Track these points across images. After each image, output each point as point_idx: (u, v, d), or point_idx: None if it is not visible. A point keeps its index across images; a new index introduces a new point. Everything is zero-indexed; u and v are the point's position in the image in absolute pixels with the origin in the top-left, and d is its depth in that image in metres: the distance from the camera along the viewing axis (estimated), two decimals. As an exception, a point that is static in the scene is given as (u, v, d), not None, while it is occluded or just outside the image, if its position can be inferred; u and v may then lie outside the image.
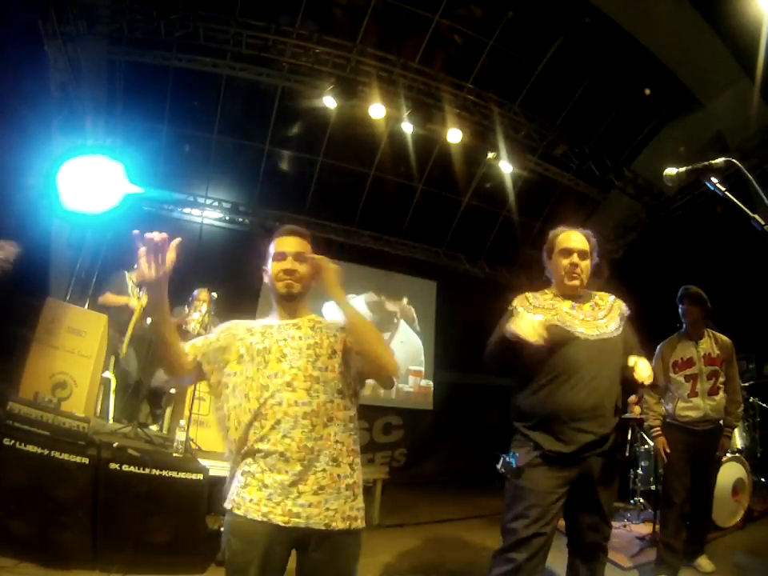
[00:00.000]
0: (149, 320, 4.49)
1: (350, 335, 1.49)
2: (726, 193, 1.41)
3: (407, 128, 6.38)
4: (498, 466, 1.84)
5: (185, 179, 7.27)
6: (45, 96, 4.90)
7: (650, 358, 3.19)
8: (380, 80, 5.99)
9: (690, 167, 1.51)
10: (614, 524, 4.09)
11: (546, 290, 2.04)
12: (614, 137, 6.91)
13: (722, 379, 3.03)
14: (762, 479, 4.33)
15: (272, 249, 1.58)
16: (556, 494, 1.78)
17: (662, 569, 2.94)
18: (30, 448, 2.62)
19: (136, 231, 1.28)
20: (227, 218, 7.62)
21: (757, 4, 4.54)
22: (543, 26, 6.00)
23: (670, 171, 1.55)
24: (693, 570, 3.09)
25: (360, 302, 7.89)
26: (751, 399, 4.63)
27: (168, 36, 5.47)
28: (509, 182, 7.31)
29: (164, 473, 2.82)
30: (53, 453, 2.64)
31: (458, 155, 7.02)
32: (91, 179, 4.39)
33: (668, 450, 3.02)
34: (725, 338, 3.13)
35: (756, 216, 1.35)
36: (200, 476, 2.88)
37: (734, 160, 1.44)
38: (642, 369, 1.80)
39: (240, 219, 7.62)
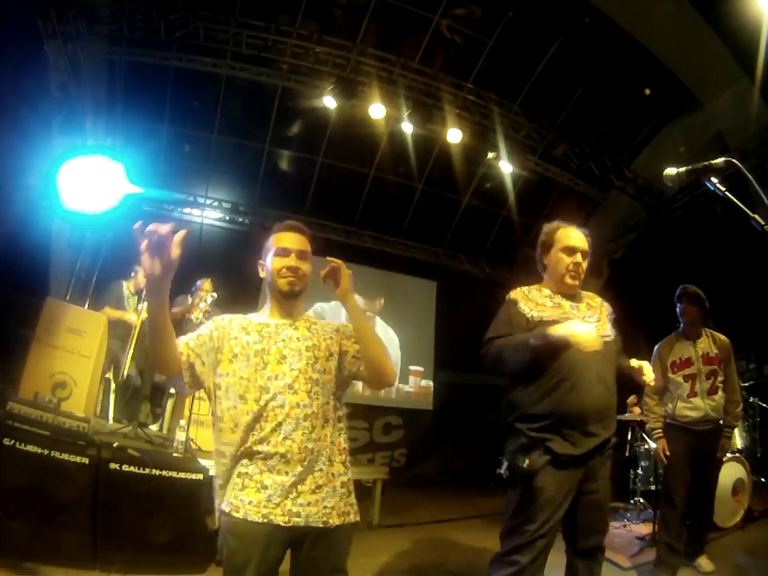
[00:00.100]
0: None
1: (357, 342, 1.50)
2: (726, 193, 1.41)
3: (407, 128, 6.38)
4: (503, 471, 1.80)
5: (185, 179, 7.28)
6: (45, 96, 4.90)
7: (647, 358, 3.21)
8: (380, 80, 5.99)
9: (689, 167, 1.51)
10: (614, 524, 4.12)
11: (539, 286, 2.00)
12: (614, 137, 6.91)
13: (720, 378, 3.02)
14: (762, 479, 4.33)
15: (272, 243, 1.54)
16: (563, 496, 1.78)
17: (662, 569, 2.94)
18: (30, 448, 2.61)
19: (138, 224, 1.15)
20: (227, 217, 7.62)
21: (757, 4, 4.54)
22: (543, 25, 6.00)
23: (670, 171, 1.55)
24: (693, 569, 3.09)
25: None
26: (751, 399, 4.62)
27: (168, 36, 5.48)
28: (509, 182, 7.31)
29: (164, 473, 2.82)
30: (53, 453, 2.64)
31: (458, 155, 7.02)
32: (91, 179, 4.39)
33: (668, 453, 3.01)
34: (723, 337, 3.11)
35: (756, 216, 1.35)
36: (200, 476, 2.88)
37: (733, 160, 1.44)
38: (649, 371, 1.80)
39: (240, 219, 7.62)
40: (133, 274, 4.78)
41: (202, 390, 1.46)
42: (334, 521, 1.38)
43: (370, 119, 6.17)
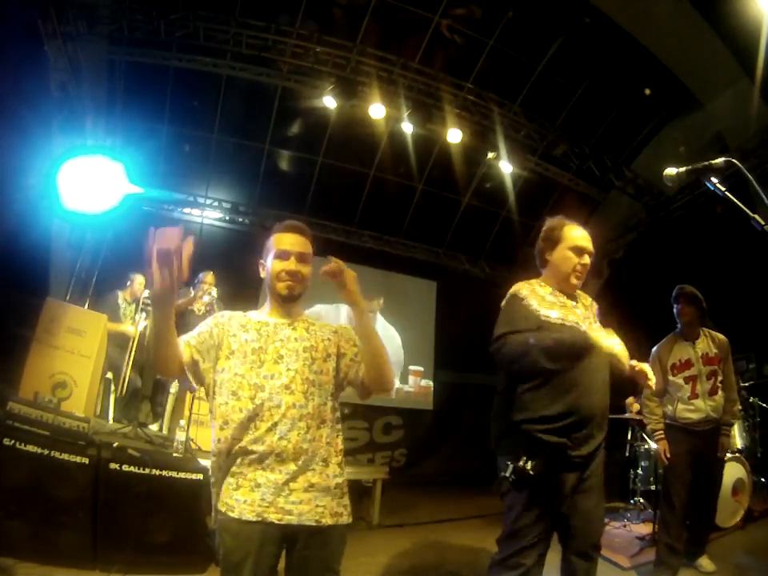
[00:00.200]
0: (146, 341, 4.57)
1: (362, 346, 1.50)
2: (726, 193, 1.41)
3: (407, 128, 6.38)
4: (508, 474, 1.74)
5: (185, 179, 7.28)
6: (45, 96, 4.90)
7: (647, 358, 3.20)
8: (380, 80, 5.99)
9: (689, 167, 1.51)
10: (614, 524, 4.12)
11: (540, 281, 1.97)
12: (613, 137, 6.91)
13: (720, 378, 3.01)
14: (762, 479, 4.32)
15: (272, 244, 1.52)
16: (565, 497, 1.78)
17: (662, 569, 2.93)
18: (30, 448, 2.62)
19: (151, 229, 1.19)
20: (227, 217, 7.63)
21: (757, 4, 4.55)
22: (543, 25, 6.00)
23: (670, 171, 1.55)
24: (694, 570, 3.09)
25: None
26: (751, 399, 4.62)
27: (168, 36, 5.48)
28: (509, 182, 7.31)
29: (164, 473, 2.82)
30: (53, 453, 2.65)
31: (458, 155, 7.02)
32: (91, 179, 4.39)
33: (669, 455, 3.01)
34: (721, 335, 3.10)
35: (756, 216, 1.35)
36: (200, 476, 2.88)
37: (733, 160, 1.44)
38: (651, 373, 1.79)
39: (240, 219, 7.63)
40: (128, 283, 4.82)
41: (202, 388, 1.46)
42: (327, 520, 1.38)
43: (370, 119, 6.18)
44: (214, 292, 4.29)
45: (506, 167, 6.77)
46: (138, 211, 6.26)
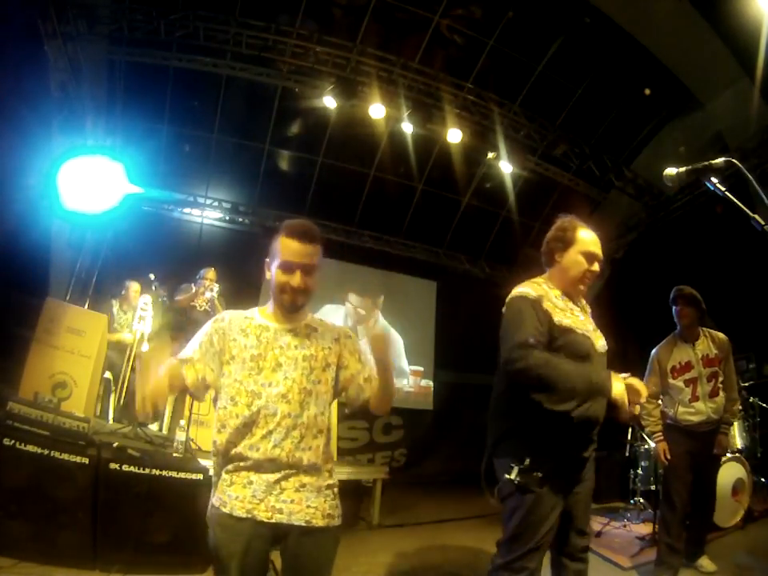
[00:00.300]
0: (145, 347, 4.61)
1: (378, 388, 1.50)
2: (726, 193, 1.41)
3: (407, 128, 6.39)
4: (513, 476, 1.70)
5: (185, 179, 7.28)
6: (45, 96, 4.90)
7: (646, 358, 3.20)
8: (380, 80, 5.99)
9: (689, 167, 1.51)
10: (614, 524, 4.12)
11: (546, 281, 1.93)
12: (614, 137, 6.91)
13: (721, 379, 2.99)
14: (762, 479, 4.32)
15: (278, 249, 1.45)
16: (565, 499, 1.77)
17: (663, 569, 2.93)
18: (30, 448, 2.61)
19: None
20: (227, 217, 7.62)
21: (757, 4, 4.55)
22: (543, 25, 6.00)
23: (670, 171, 1.54)
24: (694, 570, 3.09)
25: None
26: (751, 399, 4.62)
27: (168, 36, 5.48)
28: (509, 182, 7.31)
29: (164, 473, 2.82)
30: (53, 453, 2.64)
31: (458, 155, 7.02)
32: (91, 179, 4.40)
33: (668, 457, 3.00)
34: (721, 335, 3.07)
35: (756, 216, 1.35)
36: (200, 476, 2.88)
37: (733, 160, 1.44)
38: (643, 389, 1.74)
39: (240, 219, 7.62)
40: (123, 292, 4.85)
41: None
42: (318, 522, 1.38)
43: (370, 119, 6.18)
44: (216, 288, 4.31)
45: (506, 167, 6.78)
46: (138, 211, 6.26)
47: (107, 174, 4.47)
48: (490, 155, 6.71)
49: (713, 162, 1.44)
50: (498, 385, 1.91)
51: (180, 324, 4.44)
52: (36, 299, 4.03)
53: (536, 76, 6.40)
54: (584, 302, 2.02)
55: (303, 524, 1.36)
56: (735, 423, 3.94)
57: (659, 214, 6.77)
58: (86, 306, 4.90)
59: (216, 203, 7.48)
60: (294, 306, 1.46)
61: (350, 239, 7.85)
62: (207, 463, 3.07)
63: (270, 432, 1.36)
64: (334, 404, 1.68)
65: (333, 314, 7.30)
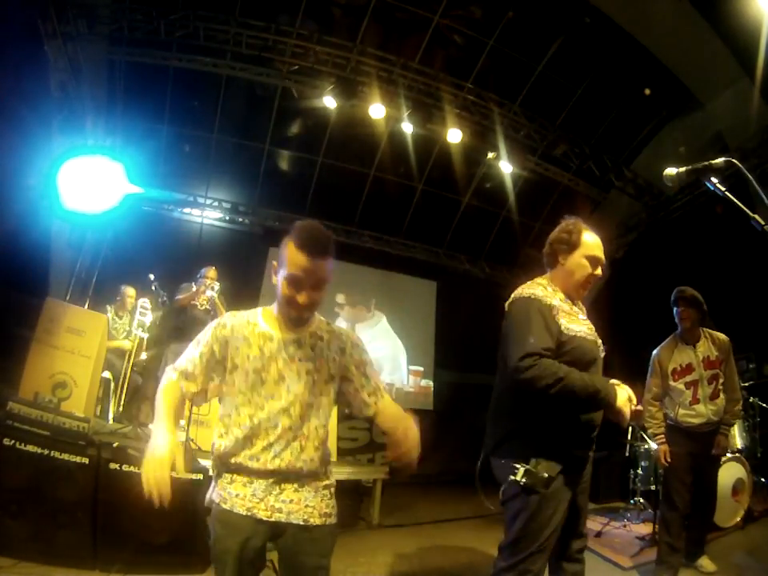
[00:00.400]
0: (144, 355, 4.63)
1: (385, 416, 1.47)
2: (726, 193, 1.41)
3: (407, 128, 6.39)
4: (519, 478, 1.69)
5: (185, 179, 7.28)
6: (45, 96, 4.91)
7: (647, 357, 3.19)
8: (380, 80, 5.99)
9: (689, 167, 1.51)
10: (614, 524, 4.12)
11: (549, 283, 1.91)
12: (614, 137, 6.91)
13: (722, 381, 2.98)
14: (762, 479, 4.32)
15: (286, 258, 1.35)
16: (568, 500, 1.77)
17: (663, 569, 2.93)
18: (30, 448, 2.61)
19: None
20: (227, 217, 7.63)
21: (757, 4, 4.55)
22: (543, 25, 6.00)
23: (670, 171, 1.54)
24: (694, 570, 3.09)
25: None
26: (751, 399, 4.61)
27: (168, 36, 5.48)
28: (509, 182, 7.32)
29: (164, 473, 2.81)
30: (53, 453, 2.64)
31: (458, 155, 7.02)
32: (91, 179, 4.39)
33: (669, 460, 3.00)
34: (722, 336, 3.06)
35: (756, 216, 1.35)
36: (200, 476, 2.88)
37: (733, 160, 1.44)
38: (632, 398, 1.74)
39: (240, 219, 7.63)
40: (118, 298, 4.85)
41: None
42: (315, 520, 1.40)
43: (370, 119, 6.18)
44: (216, 287, 4.32)
45: (506, 167, 6.78)
46: (138, 211, 6.26)
47: (107, 173, 4.47)
48: (490, 155, 6.71)
49: (713, 162, 1.43)
50: (500, 385, 1.90)
51: (181, 323, 4.44)
52: (36, 299, 4.03)
53: (536, 76, 6.40)
54: (581, 304, 2.02)
55: (301, 522, 1.38)
56: (735, 423, 3.94)
57: (659, 214, 6.77)
58: (86, 306, 4.90)
59: (216, 203, 7.48)
60: (299, 320, 1.41)
61: (350, 239, 7.85)
62: (207, 463, 3.07)
63: (271, 444, 1.36)
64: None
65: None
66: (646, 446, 4.38)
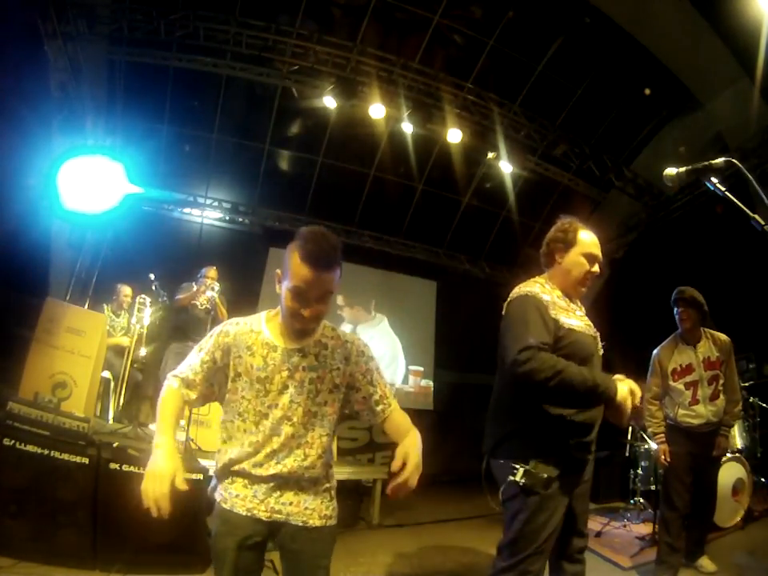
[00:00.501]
0: (143, 351, 4.63)
1: (393, 424, 1.48)
2: (726, 193, 1.41)
3: (407, 128, 6.38)
4: (518, 478, 1.69)
5: (185, 179, 7.28)
6: (45, 96, 4.91)
7: (647, 358, 3.19)
8: (380, 80, 5.99)
9: (690, 167, 1.50)
10: (614, 524, 4.12)
11: (547, 281, 1.92)
12: (614, 137, 6.91)
13: (722, 382, 2.98)
14: (762, 479, 4.33)
15: (291, 269, 1.31)
16: (567, 501, 1.77)
17: (663, 568, 2.94)
18: (30, 448, 2.62)
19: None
20: (227, 218, 7.62)
21: (757, 4, 4.55)
22: (543, 25, 6.00)
23: (670, 171, 1.54)
24: (694, 570, 3.09)
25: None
26: (751, 399, 4.62)
27: (168, 36, 5.48)
28: (509, 182, 7.32)
29: (164, 473, 2.81)
30: (53, 453, 2.64)
31: (458, 155, 7.02)
32: (91, 179, 4.40)
33: (668, 460, 3.00)
34: (723, 336, 3.05)
35: (756, 216, 1.35)
36: (200, 476, 2.88)
37: (733, 160, 1.44)
38: (637, 392, 1.71)
39: (240, 219, 7.62)
40: (114, 297, 4.86)
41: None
42: (315, 522, 1.41)
43: (370, 119, 6.18)
44: (216, 287, 4.33)
45: (506, 167, 6.78)
46: (138, 211, 6.26)
47: (107, 173, 4.47)
48: (490, 155, 6.71)
49: (713, 162, 1.43)
50: (499, 384, 1.90)
51: (181, 323, 4.45)
52: (36, 299, 4.03)
53: (536, 76, 6.40)
54: (579, 302, 2.02)
55: (300, 524, 1.39)
56: (735, 424, 3.94)
57: (659, 214, 6.77)
58: (86, 306, 4.90)
59: (216, 203, 7.48)
60: (303, 332, 1.39)
61: (350, 239, 7.84)
62: (207, 463, 3.07)
63: (275, 451, 1.37)
64: None
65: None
66: (646, 446, 4.38)
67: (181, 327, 4.42)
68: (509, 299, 1.87)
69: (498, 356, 1.85)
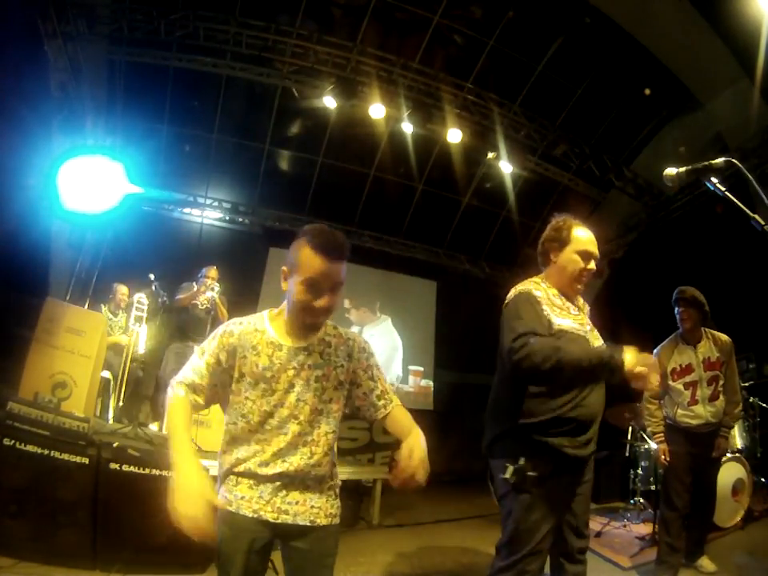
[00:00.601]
0: (141, 350, 4.63)
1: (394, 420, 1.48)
2: (726, 193, 1.41)
3: (407, 128, 6.39)
4: (507, 476, 1.69)
5: (185, 179, 7.28)
6: (45, 96, 4.91)
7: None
8: (380, 80, 5.99)
9: (689, 167, 1.51)
10: (614, 524, 4.12)
11: (543, 281, 1.93)
12: (614, 137, 6.91)
13: (722, 383, 2.97)
14: (762, 479, 4.33)
15: (301, 262, 1.32)
16: (564, 501, 1.77)
17: (663, 568, 2.94)
18: (30, 448, 2.61)
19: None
20: (227, 218, 7.63)
21: (757, 4, 4.55)
22: (543, 25, 6.00)
23: (670, 171, 1.54)
24: (694, 570, 3.09)
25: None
26: (751, 399, 4.61)
27: (168, 36, 5.48)
28: (509, 182, 7.32)
29: (164, 473, 2.81)
30: (53, 453, 2.64)
31: (458, 155, 7.03)
32: (91, 179, 4.40)
33: (668, 459, 3.00)
34: (724, 336, 3.04)
35: (756, 216, 1.35)
36: (200, 476, 2.87)
37: (733, 160, 1.44)
38: (654, 376, 1.64)
39: (240, 219, 7.63)
40: (111, 296, 4.87)
41: None
42: (321, 521, 1.41)
43: (370, 119, 6.18)
44: (217, 287, 4.33)
45: (506, 167, 6.78)
46: (138, 211, 6.26)
47: (107, 173, 4.47)
48: (490, 155, 6.71)
49: (713, 161, 1.44)
50: (496, 385, 1.91)
51: (182, 323, 4.45)
52: (36, 299, 4.03)
53: (536, 76, 6.40)
54: (581, 300, 2.02)
55: (308, 524, 1.39)
56: (735, 426, 3.94)
57: (659, 214, 6.77)
58: (86, 306, 4.90)
59: (216, 203, 7.48)
60: (314, 326, 1.40)
61: (350, 239, 7.59)
62: (207, 463, 3.07)
63: (281, 450, 1.36)
64: None
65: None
66: (646, 446, 4.38)
67: (181, 327, 4.43)
68: (506, 301, 1.88)
69: (498, 355, 1.85)
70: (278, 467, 1.36)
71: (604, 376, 1.67)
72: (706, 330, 3.07)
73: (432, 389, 8.24)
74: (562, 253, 1.90)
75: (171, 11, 5.40)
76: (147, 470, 2.77)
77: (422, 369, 8.25)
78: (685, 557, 3.03)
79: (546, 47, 6.18)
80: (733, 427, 3.32)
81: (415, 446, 1.33)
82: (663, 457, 3.01)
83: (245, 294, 6.44)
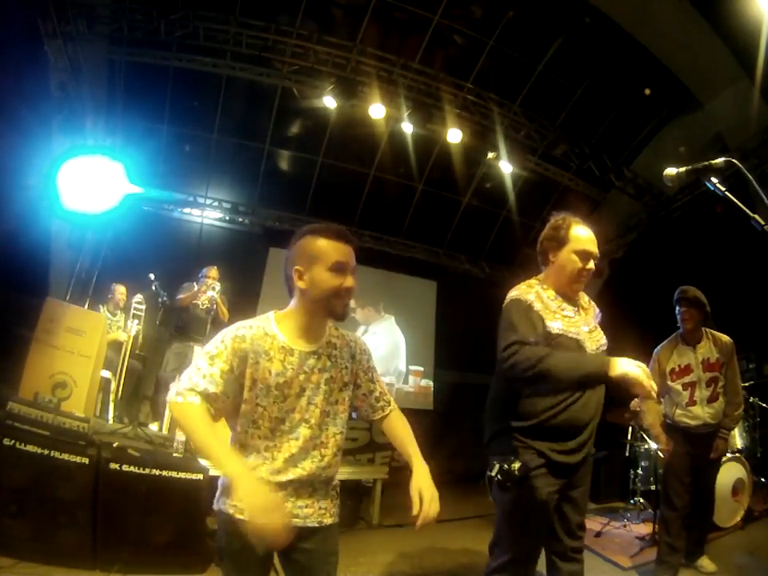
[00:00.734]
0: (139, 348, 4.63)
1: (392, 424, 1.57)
2: (726, 193, 1.41)
3: (407, 128, 6.39)
4: (493, 474, 1.72)
5: (185, 179, 7.28)
6: (45, 96, 4.90)
7: (647, 358, 3.19)
8: (380, 80, 5.99)
9: (689, 167, 1.51)
10: (614, 524, 4.12)
11: (540, 283, 1.92)
12: (614, 137, 6.91)
13: (721, 384, 2.96)
14: (762, 479, 4.33)
15: (321, 252, 1.36)
16: (553, 501, 1.76)
17: (663, 568, 2.93)
18: (30, 448, 2.62)
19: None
20: (227, 218, 7.62)
21: (757, 4, 4.55)
22: (543, 25, 6.00)
23: (670, 171, 1.54)
24: (694, 570, 3.09)
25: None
26: (751, 399, 4.61)
27: (168, 36, 5.48)
28: (509, 182, 7.32)
29: (164, 473, 2.82)
30: (53, 453, 2.64)
31: (458, 155, 7.02)
32: (91, 179, 4.39)
33: (669, 449, 2.99)
34: (725, 337, 3.03)
35: (756, 216, 1.35)
36: (200, 476, 2.88)
37: (733, 160, 1.44)
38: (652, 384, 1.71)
39: (240, 219, 7.63)
40: (110, 296, 4.88)
41: None
42: (327, 520, 1.44)
43: (370, 119, 6.18)
44: (217, 287, 4.33)
45: (506, 167, 6.78)
46: (138, 211, 6.26)
47: (107, 174, 4.47)
48: (490, 155, 6.71)
49: (713, 161, 1.43)
50: (494, 388, 1.93)
51: (182, 323, 4.46)
52: (36, 299, 4.02)
53: (536, 76, 6.40)
54: (586, 299, 2.00)
55: (316, 525, 1.41)
56: (735, 427, 3.93)
57: (659, 214, 6.77)
58: (86, 306, 4.90)
59: (216, 203, 7.48)
60: (346, 311, 1.41)
61: (350, 239, 7.83)
62: (207, 463, 3.07)
63: (293, 456, 1.36)
64: None
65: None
66: (646, 446, 4.38)
67: (182, 327, 4.43)
68: (503, 306, 1.89)
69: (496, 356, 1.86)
70: (290, 474, 1.36)
71: (590, 385, 1.71)
72: (707, 330, 3.06)
73: (432, 389, 8.24)
74: (560, 252, 1.88)
75: (171, 11, 5.40)
76: (147, 470, 2.78)
77: (422, 369, 8.25)
78: (685, 557, 3.03)
79: (546, 47, 6.18)
80: (732, 429, 3.30)
81: (423, 486, 1.44)
82: (666, 446, 3.00)
83: (245, 294, 6.43)
